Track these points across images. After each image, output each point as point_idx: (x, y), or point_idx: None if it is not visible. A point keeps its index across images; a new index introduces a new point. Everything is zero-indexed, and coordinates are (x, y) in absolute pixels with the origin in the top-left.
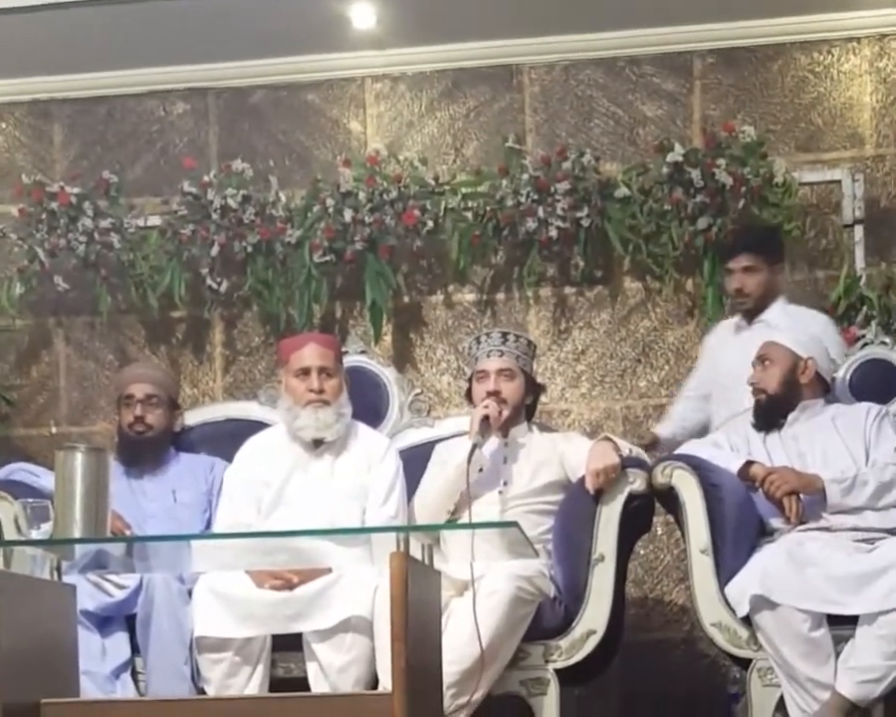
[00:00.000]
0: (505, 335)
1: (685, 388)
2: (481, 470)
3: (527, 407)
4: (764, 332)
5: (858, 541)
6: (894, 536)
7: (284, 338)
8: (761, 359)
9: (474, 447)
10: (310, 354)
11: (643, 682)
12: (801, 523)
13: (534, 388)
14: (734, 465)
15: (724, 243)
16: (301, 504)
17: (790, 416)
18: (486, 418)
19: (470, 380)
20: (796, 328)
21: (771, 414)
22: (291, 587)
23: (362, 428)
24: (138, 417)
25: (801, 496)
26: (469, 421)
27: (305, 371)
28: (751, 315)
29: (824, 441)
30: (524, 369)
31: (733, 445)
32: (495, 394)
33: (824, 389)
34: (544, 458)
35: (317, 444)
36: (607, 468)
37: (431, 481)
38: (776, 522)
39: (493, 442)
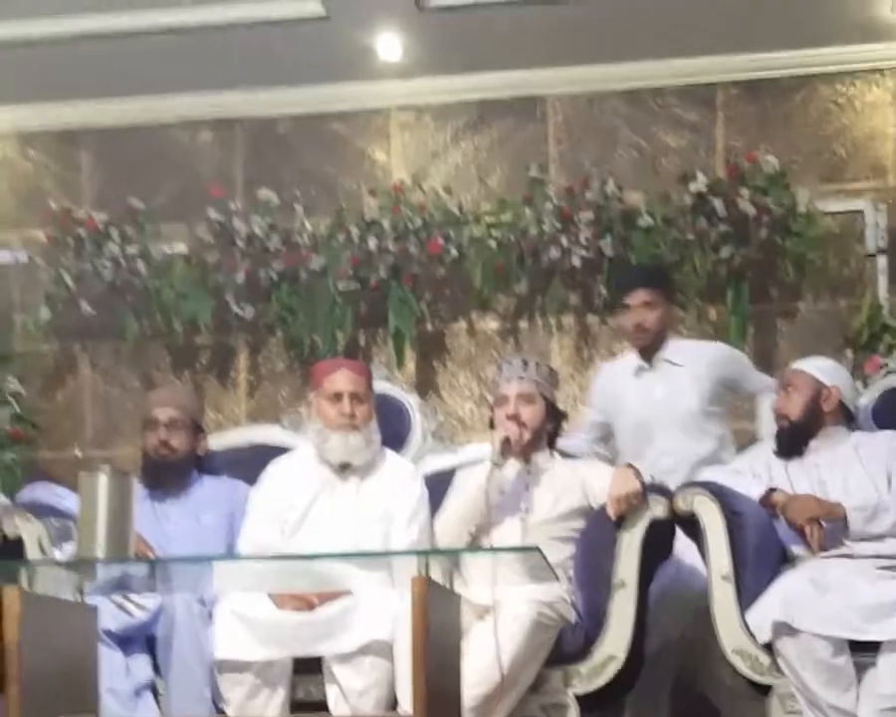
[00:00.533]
0: (525, 362)
1: (581, 430)
2: (502, 493)
3: (549, 434)
4: (668, 372)
5: (881, 568)
6: None
7: (309, 364)
8: (784, 386)
9: (493, 467)
10: (342, 379)
11: (663, 709)
12: (823, 550)
13: (555, 415)
14: (755, 492)
15: (618, 279)
16: (325, 527)
17: (812, 444)
18: (506, 440)
19: (493, 408)
20: (824, 365)
21: (793, 441)
22: (311, 607)
23: (389, 454)
24: (163, 441)
25: (823, 523)
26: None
27: (337, 396)
28: (648, 352)
29: (846, 469)
30: (544, 395)
31: (754, 472)
32: (514, 418)
33: (848, 418)
34: (566, 485)
35: (343, 468)
36: (629, 495)
37: (451, 502)
38: (797, 549)
39: (514, 467)
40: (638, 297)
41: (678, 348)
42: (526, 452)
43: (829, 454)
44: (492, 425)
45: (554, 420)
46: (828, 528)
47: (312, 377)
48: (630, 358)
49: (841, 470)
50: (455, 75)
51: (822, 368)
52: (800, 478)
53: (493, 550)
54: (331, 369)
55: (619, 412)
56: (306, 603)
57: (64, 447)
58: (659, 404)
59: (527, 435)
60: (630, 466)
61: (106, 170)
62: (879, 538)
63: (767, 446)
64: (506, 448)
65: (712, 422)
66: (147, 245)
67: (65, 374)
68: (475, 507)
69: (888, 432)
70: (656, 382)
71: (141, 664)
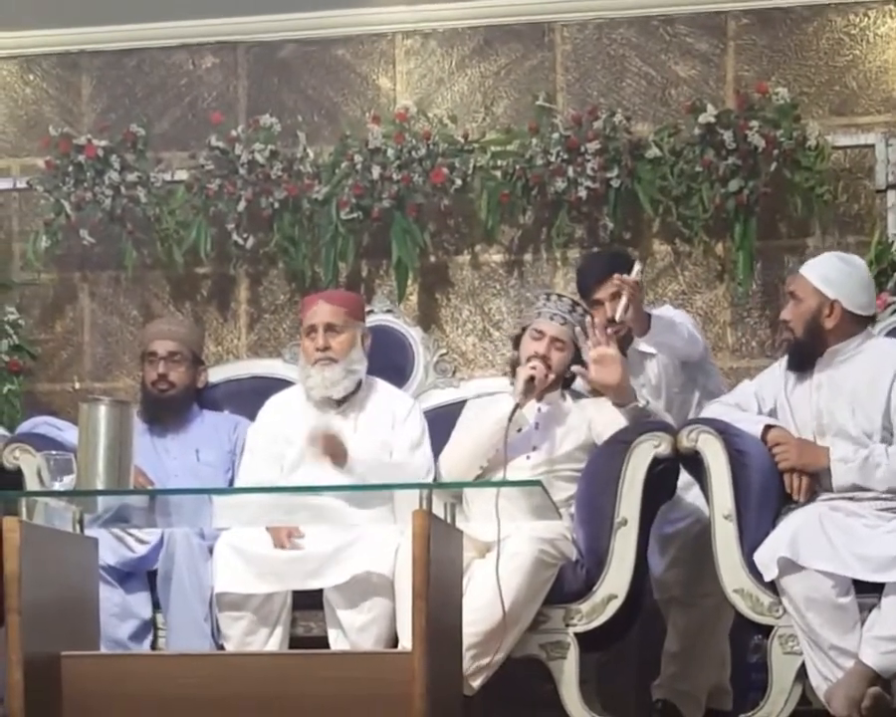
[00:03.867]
0: (575, 304)
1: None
2: (519, 430)
3: (565, 378)
4: (640, 364)
5: (881, 510)
6: None
7: (308, 295)
8: (791, 295)
9: (517, 406)
10: (317, 311)
11: (661, 649)
12: (808, 500)
13: (577, 361)
14: (756, 429)
15: (582, 271)
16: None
17: (819, 363)
18: (531, 380)
19: (523, 330)
20: (829, 271)
21: (800, 357)
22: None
23: (384, 385)
24: (161, 375)
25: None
26: (514, 380)
27: (312, 329)
28: (623, 344)
29: (851, 395)
30: (575, 343)
31: (761, 399)
32: (543, 359)
33: (862, 324)
34: (573, 424)
35: (339, 403)
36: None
37: (464, 435)
38: None
39: (529, 406)
40: (607, 289)
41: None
42: (540, 393)
43: (834, 375)
44: (515, 343)
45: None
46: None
47: (301, 309)
48: None
49: (845, 396)
50: (461, 0)
51: (827, 277)
52: (802, 404)
53: (494, 484)
54: (309, 304)
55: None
56: (284, 548)
57: (63, 378)
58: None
59: (550, 378)
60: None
61: (106, 96)
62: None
63: (780, 364)
64: (529, 388)
65: (683, 399)
66: (148, 172)
67: (64, 304)
68: (490, 442)
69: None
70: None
71: (141, 601)
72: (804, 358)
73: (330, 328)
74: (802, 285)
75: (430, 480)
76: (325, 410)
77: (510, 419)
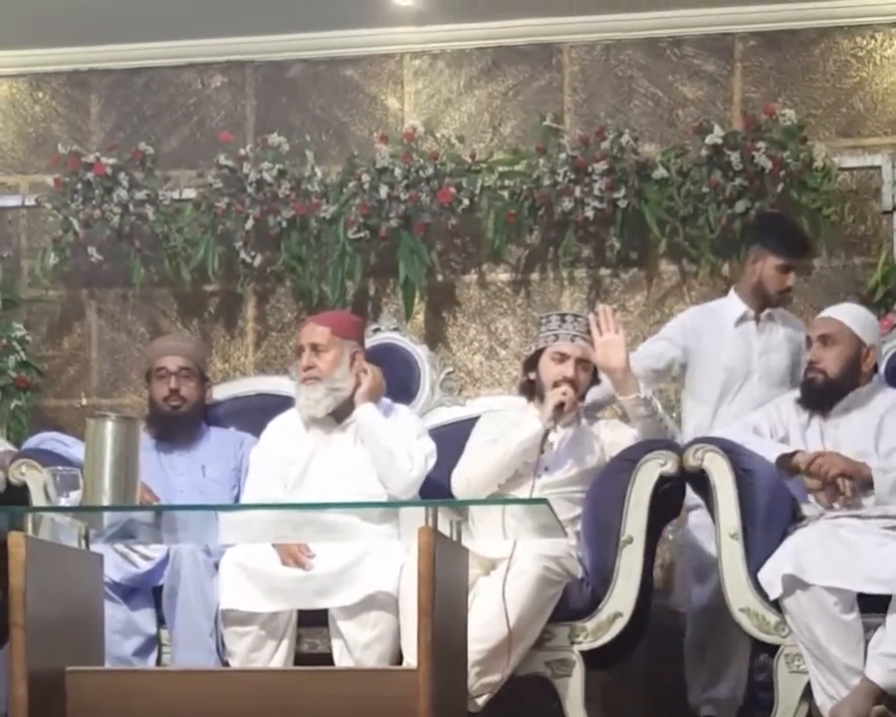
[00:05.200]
0: (588, 325)
1: (644, 357)
2: (542, 452)
3: None
4: (769, 328)
5: (886, 528)
6: None
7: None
8: (820, 336)
9: (547, 433)
10: (304, 332)
11: (670, 668)
12: (854, 507)
13: (594, 381)
14: (774, 453)
15: (772, 235)
16: (326, 478)
17: (840, 405)
18: (561, 405)
19: (538, 352)
20: (865, 321)
21: (823, 397)
22: (303, 566)
23: (385, 401)
24: (173, 390)
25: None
26: (543, 405)
27: (300, 350)
28: (761, 307)
29: (875, 432)
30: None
31: (772, 427)
32: (572, 383)
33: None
34: (587, 447)
35: (339, 419)
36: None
37: (484, 454)
38: (807, 509)
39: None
40: (792, 261)
41: (785, 314)
42: None
43: (857, 416)
44: (529, 365)
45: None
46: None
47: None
48: (733, 305)
49: (867, 433)
50: (470, 21)
51: (864, 326)
52: (815, 438)
53: (500, 502)
54: (303, 325)
55: (702, 352)
56: (300, 566)
57: (70, 395)
58: (756, 356)
59: (578, 400)
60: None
61: (115, 114)
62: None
63: (789, 398)
64: (558, 414)
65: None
66: (156, 190)
67: (71, 321)
68: (513, 464)
69: None
70: (756, 335)
71: (146, 618)
72: (831, 397)
73: (314, 347)
74: (839, 330)
75: (430, 465)
76: (326, 428)
77: (542, 450)
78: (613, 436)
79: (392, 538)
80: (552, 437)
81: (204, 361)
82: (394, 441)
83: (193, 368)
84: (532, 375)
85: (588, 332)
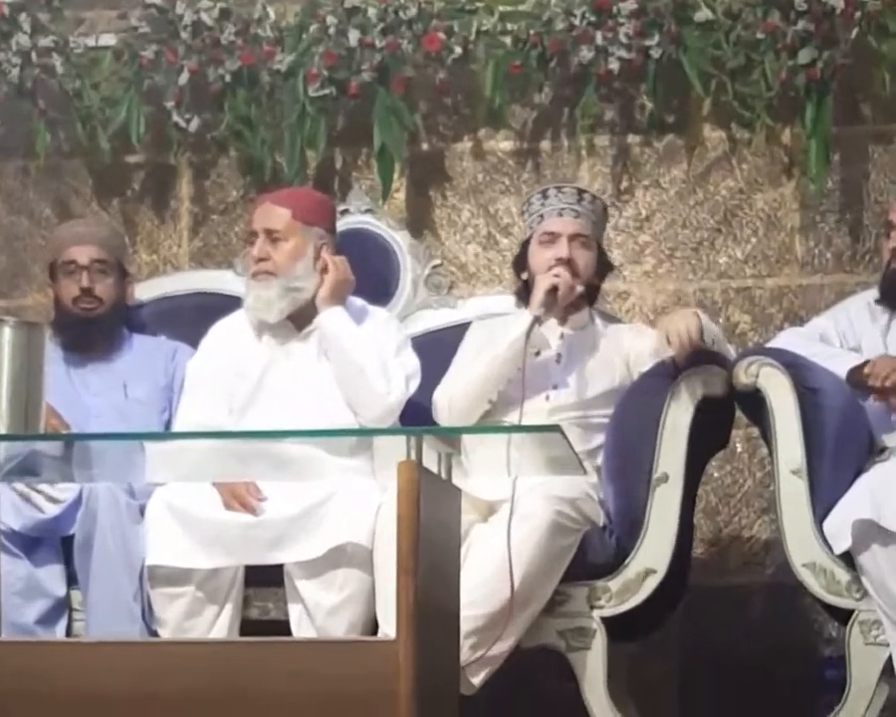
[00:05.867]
0: (581, 192)
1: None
2: (538, 354)
3: (591, 290)
4: None
5: None
6: None
7: (270, 192)
8: None
9: (535, 320)
10: (257, 215)
11: (713, 639)
12: None
13: (604, 267)
14: (846, 367)
15: None
16: (282, 399)
17: None
18: (553, 290)
19: (525, 244)
20: None
21: None
22: (253, 510)
23: (355, 301)
24: (86, 289)
25: None
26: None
27: (253, 235)
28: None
29: None
30: (598, 240)
31: (842, 336)
32: (567, 263)
33: None
34: (605, 356)
35: (299, 326)
36: (690, 329)
37: (470, 363)
38: (889, 438)
39: (551, 329)
40: None
41: None
42: (563, 312)
43: None
44: (519, 265)
45: (600, 273)
46: None
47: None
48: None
49: None
50: None
51: None
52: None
53: (503, 429)
54: (256, 205)
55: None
56: (248, 510)
57: None
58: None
59: (579, 288)
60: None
61: None
62: None
63: (861, 298)
64: (551, 301)
65: None
66: (66, 36)
67: None
68: (502, 370)
69: None
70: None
71: (53, 576)
72: None
73: (270, 234)
74: None
75: (413, 387)
76: (282, 336)
77: (527, 336)
78: (641, 345)
79: (365, 475)
80: (556, 341)
81: (125, 252)
82: (367, 356)
83: (110, 261)
84: (525, 276)
85: (581, 200)
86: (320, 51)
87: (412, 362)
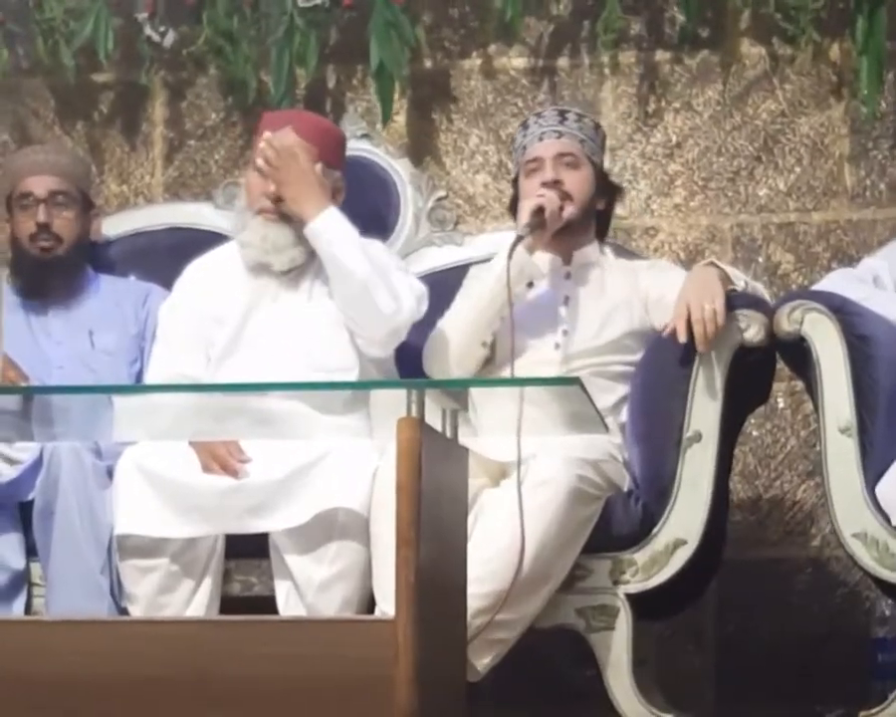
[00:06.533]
0: (563, 112)
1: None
2: (531, 285)
3: (598, 218)
4: None
5: None
6: None
7: (254, 115)
8: None
9: (518, 239)
10: (278, 138)
11: (751, 619)
12: None
13: (606, 190)
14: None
15: None
16: (268, 348)
17: None
18: (539, 210)
19: (516, 182)
20: None
21: None
22: (234, 473)
23: None
24: (43, 225)
25: None
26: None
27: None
28: None
29: None
30: (591, 159)
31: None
32: (553, 184)
33: None
34: (621, 297)
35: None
36: (713, 309)
37: (460, 303)
38: None
39: (550, 264)
40: None
41: None
42: (566, 248)
43: None
44: (514, 207)
45: (605, 198)
46: None
47: (254, 134)
48: None
49: None
50: None
51: None
52: None
53: (516, 382)
54: (269, 123)
55: None
56: (229, 471)
57: None
58: None
59: (571, 209)
60: (714, 265)
61: None
62: None
63: None
64: (537, 222)
65: None
66: None
67: None
68: (493, 306)
69: None
70: None
71: (11, 546)
72: None
73: None
74: None
75: (423, 309)
76: (270, 276)
77: (509, 256)
78: (662, 284)
79: (361, 434)
80: (561, 279)
81: (89, 182)
82: (369, 267)
83: (72, 193)
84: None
85: (564, 120)
86: None
87: (419, 285)
